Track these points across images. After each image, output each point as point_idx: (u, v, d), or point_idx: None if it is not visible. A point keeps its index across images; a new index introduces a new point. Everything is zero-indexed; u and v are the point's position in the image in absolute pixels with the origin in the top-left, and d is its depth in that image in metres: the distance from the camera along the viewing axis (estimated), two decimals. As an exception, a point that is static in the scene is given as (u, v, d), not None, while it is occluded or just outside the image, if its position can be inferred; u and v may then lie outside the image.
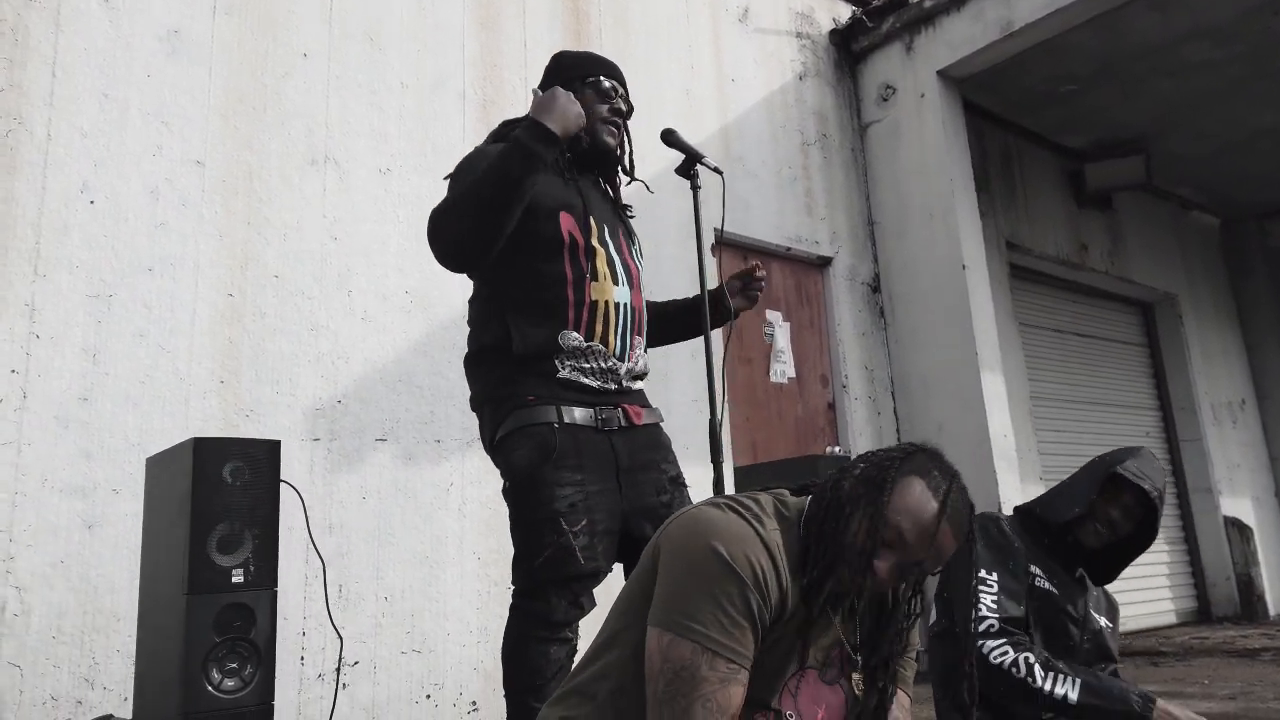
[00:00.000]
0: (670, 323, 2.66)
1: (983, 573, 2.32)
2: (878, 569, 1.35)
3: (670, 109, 4.82)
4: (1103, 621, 2.39)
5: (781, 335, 5.10)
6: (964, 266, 5.29)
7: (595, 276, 2.27)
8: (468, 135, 3.99)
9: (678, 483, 2.45)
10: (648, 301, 2.57)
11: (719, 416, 2.35)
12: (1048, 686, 2.12)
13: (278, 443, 2.23)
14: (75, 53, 3.15)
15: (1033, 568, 2.32)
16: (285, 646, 3.00)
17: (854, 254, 5.61)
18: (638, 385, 2.41)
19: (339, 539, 3.37)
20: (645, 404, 2.43)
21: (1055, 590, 2.31)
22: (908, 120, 5.61)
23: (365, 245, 3.67)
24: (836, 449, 5.19)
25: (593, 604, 2.27)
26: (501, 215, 2.11)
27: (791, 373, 5.11)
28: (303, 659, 3.21)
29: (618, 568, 2.40)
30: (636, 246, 2.48)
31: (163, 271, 3.19)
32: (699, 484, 2.37)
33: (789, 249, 5.25)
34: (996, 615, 2.23)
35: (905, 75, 5.65)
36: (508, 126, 2.37)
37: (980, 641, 2.21)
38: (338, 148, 3.67)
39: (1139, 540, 2.35)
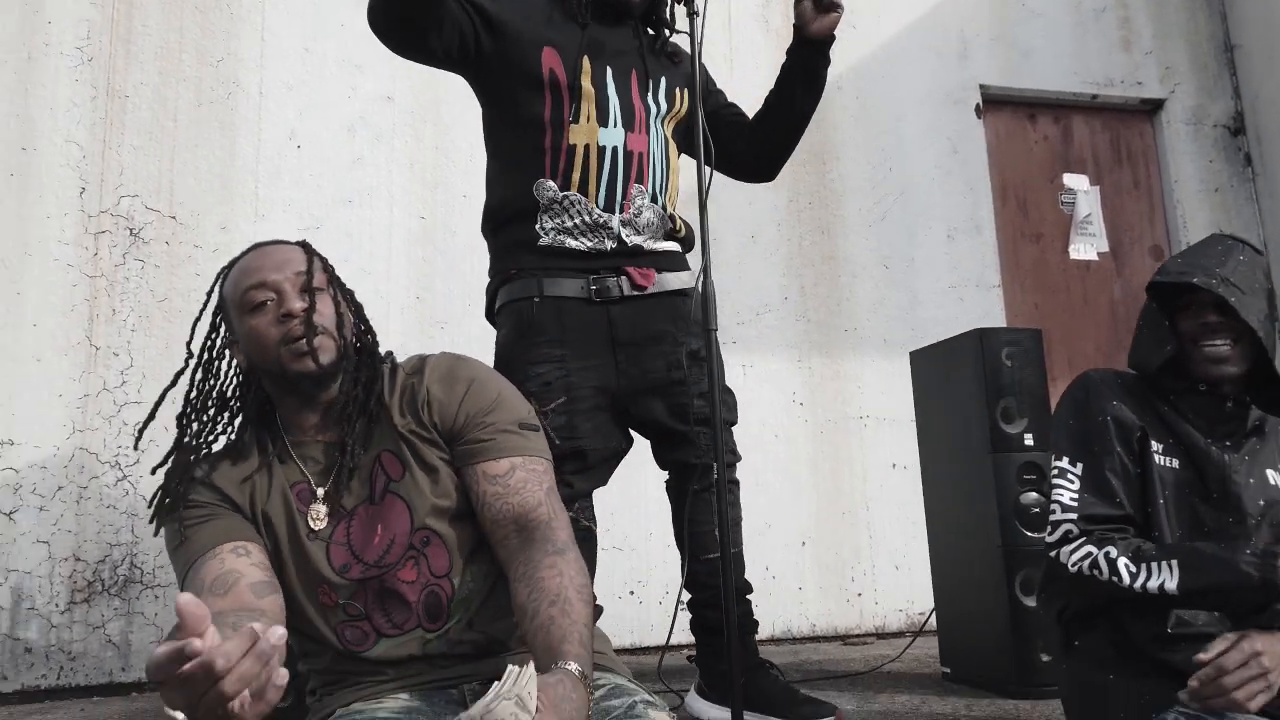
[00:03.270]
0: (770, 119, 2.27)
1: (1064, 460, 1.74)
2: (261, 331, 1.34)
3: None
4: None
5: (1086, 202, 4.21)
6: (1361, 81, 3.92)
7: (577, 118, 2.06)
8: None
9: (698, 358, 2.12)
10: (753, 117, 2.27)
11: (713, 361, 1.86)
12: (1139, 583, 1.55)
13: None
14: (279, 16, 3.56)
15: (1152, 444, 1.69)
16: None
17: (1200, 91, 4.43)
18: (654, 244, 2.14)
19: (533, 441, 3.49)
20: (666, 267, 2.15)
21: (1179, 465, 1.68)
22: (1273, -99, 4.26)
23: (552, 155, 3.71)
24: (1174, 336, 4.19)
25: (596, 483, 2.12)
26: None
27: (1103, 246, 4.21)
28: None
29: (640, 446, 2.21)
30: (662, 91, 2.19)
31: (361, 202, 3.52)
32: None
33: (1095, 96, 4.30)
34: (1075, 515, 1.67)
35: None
36: None
37: (1055, 552, 1.68)
38: (522, 63, 3.74)
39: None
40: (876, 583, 3.62)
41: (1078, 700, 1.76)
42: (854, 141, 4.00)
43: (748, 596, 2.22)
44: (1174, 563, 1.54)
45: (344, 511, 1.36)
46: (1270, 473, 1.70)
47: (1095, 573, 1.60)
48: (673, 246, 2.21)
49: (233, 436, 1.44)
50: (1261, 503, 1.66)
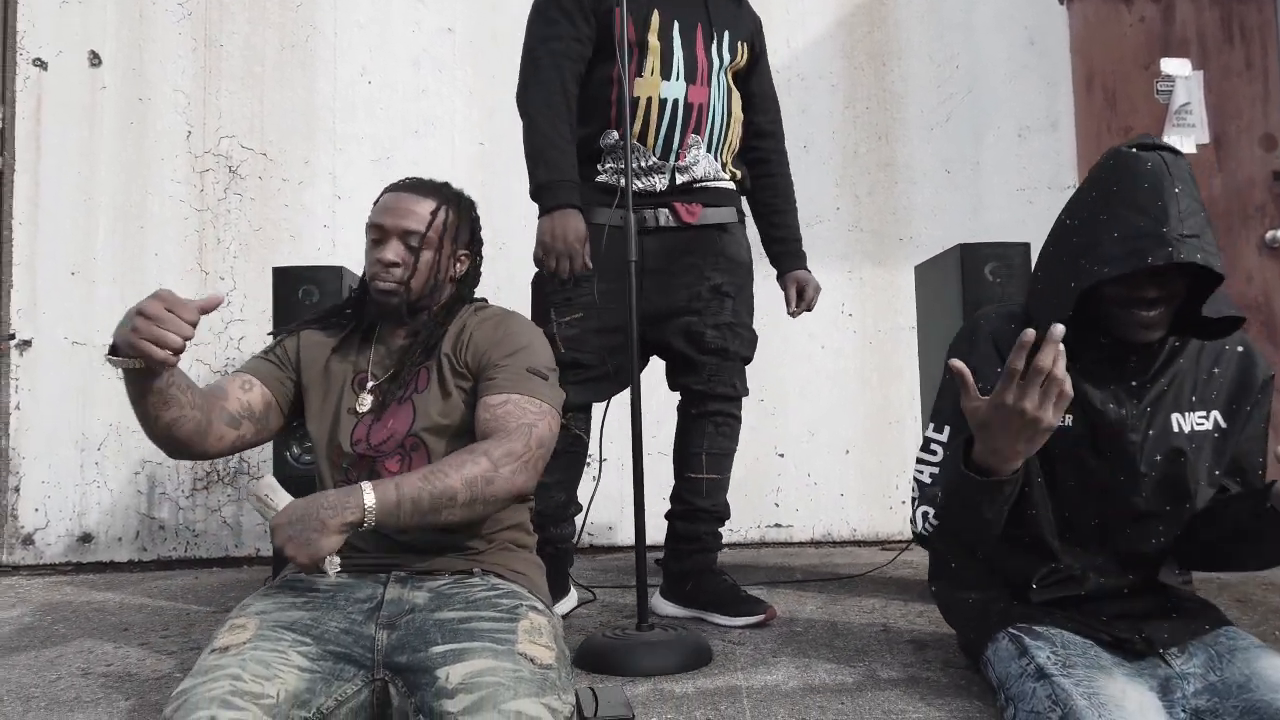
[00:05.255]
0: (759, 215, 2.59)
1: (930, 429, 1.70)
2: (368, 260, 1.75)
3: None
4: (1191, 422, 1.63)
5: (1185, 89, 3.89)
6: None
7: (641, 72, 2.24)
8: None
9: (720, 292, 2.34)
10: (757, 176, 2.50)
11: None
12: (928, 529, 1.61)
13: (340, 269, 2.67)
14: (349, -42, 3.83)
15: None
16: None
17: (1337, -47, 3.93)
18: (706, 185, 2.32)
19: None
20: (712, 202, 2.33)
21: (1072, 421, 1.61)
22: None
23: (603, 75, 3.82)
24: (1285, 233, 3.88)
25: (591, 396, 2.34)
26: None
27: (1203, 137, 3.89)
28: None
29: (654, 368, 2.42)
30: (726, 44, 2.34)
31: (426, 132, 3.79)
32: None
33: (1202, -30, 3.91)
34: (929, 498, 1.66)
35: None
36: None
37: (915, 530, 1.68)
38: (574, -16, 3.84)
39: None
40: (919, 489, 3.67)
41: (948, 613, 1.87)
42: (918, 39, 3.87)
43: (721, 518, 2.43)
44: (936, 498, 1.59)
45: (380, 404, 1.72)
46: (1175, 417, 1.63)
47: (925, 532, 1.64)
48: (727, 185, 2.37)
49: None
50: (1158, 457, 1.61)
